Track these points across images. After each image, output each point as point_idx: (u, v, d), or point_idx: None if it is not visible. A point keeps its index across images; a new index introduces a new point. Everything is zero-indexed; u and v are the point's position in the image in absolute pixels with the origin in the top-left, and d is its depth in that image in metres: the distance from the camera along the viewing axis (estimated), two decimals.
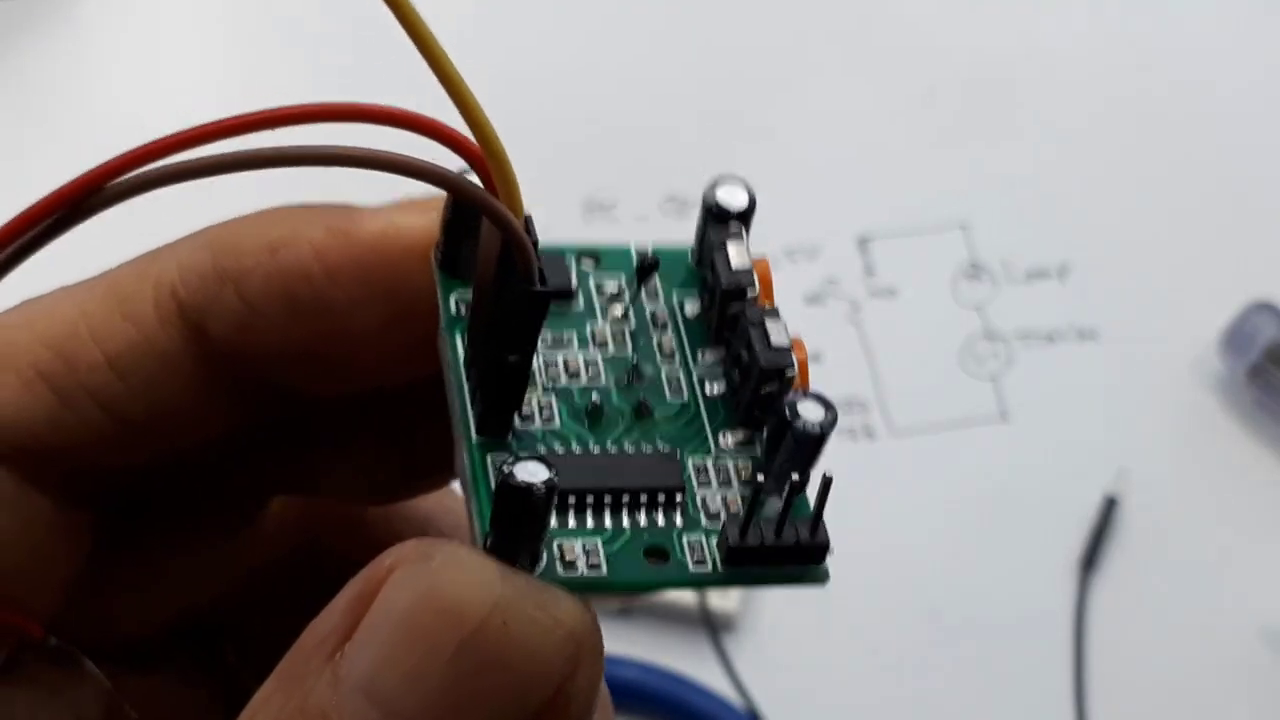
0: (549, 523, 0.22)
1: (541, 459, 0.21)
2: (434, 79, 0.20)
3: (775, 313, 0.23)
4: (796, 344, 0.23)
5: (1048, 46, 0.65)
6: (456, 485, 0.28)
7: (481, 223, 0.22)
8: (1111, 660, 0.53)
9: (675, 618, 0.53)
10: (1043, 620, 0.53)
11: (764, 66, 0.64)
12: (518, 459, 0.21)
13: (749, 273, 0.24)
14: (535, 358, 0.23)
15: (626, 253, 0.25)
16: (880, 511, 0.55)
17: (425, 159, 0.21)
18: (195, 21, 0.65)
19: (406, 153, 0.21)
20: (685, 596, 0.52)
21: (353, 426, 0.27)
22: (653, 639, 0.52)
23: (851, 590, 0.53)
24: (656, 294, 0.24)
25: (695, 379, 0.24)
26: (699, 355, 0.24)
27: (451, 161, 0.21)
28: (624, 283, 0.24)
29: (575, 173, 0.61)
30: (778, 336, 0.23)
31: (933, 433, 0.57)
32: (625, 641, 0.52)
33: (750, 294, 0.23)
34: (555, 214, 0.60)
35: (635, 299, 0.24)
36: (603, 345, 0.24)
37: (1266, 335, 0.57)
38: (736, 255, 0.24)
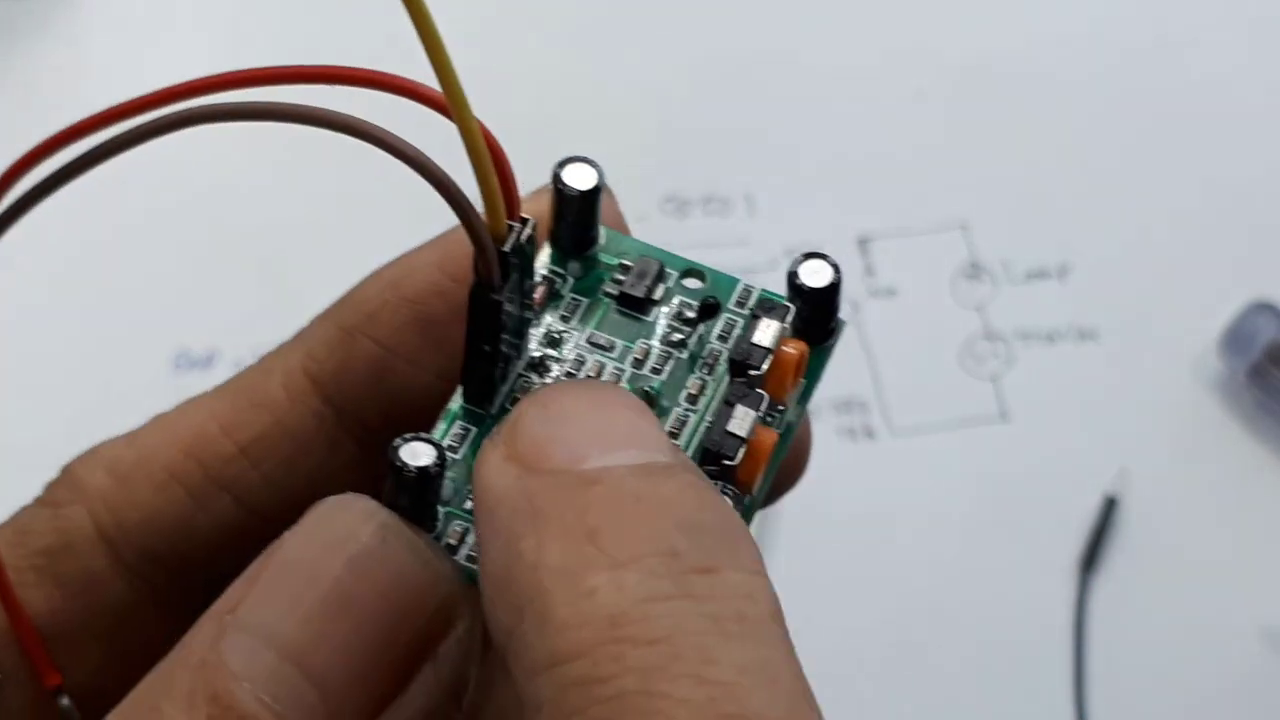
0: (434, 505, 0.22)
1: (433, 443, 0.21)
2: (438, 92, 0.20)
3: (756, 400, 0.23)
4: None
5: (1047, 46, 0.65)
6: None
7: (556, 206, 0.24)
8: (1111, 660, 0.53)
9: None
10: (1043, 620, 0.53)
11: (763, 66, 0.64)
12: (415, 438, 0.21)
13: (763, 352, 0.23)
14: (573, 349, 0.24)
15: (731, 284, 0.25)
16: (879, 511, 0.55)
17: (413, 144, 0.21)
18: (195, 22, 0.64)
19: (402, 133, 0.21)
20: None
21: None
22: None
23: (850, 590, 0.53)
24: (726, 335, 0.24)
25: (702, 430, 0.23)
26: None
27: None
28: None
29: None
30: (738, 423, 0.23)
31: (933, 433, 0.57)
32: None
33: (754, 372, 0.23)
34: None
35: (693, 335, 0.24)
36: (638, 363, 0.24)
37: (1266, 335, 0.57)
38: (764, 333, 0.23)
